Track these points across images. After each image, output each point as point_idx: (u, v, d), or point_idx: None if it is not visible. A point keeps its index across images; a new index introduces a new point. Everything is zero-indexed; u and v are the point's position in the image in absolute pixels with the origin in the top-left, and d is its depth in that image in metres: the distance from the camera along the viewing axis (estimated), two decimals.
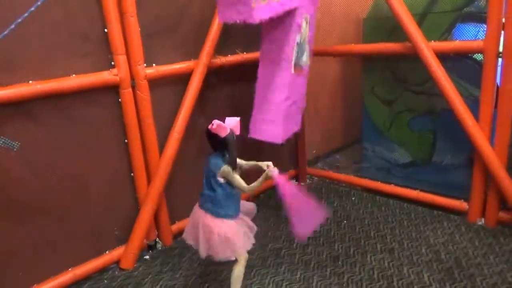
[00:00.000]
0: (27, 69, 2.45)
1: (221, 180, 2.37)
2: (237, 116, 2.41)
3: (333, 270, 2.87)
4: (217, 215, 2.38)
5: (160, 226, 3.26)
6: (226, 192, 2.38)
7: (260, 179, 2.32)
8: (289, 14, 2.83)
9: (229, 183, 2.36)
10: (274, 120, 3.05)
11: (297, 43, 2.99)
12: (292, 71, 3.02)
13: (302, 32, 3.00)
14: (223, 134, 2.30)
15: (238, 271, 2.43)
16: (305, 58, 3.20)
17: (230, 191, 2.40)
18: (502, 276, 2.68)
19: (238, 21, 2.51)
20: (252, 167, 2.50)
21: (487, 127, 3.09)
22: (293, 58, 3.00)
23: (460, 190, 3.47)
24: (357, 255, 3.03)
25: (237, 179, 2.34)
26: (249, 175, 2.49)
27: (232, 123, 2.36)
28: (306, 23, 3.02)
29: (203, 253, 2.41)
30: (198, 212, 2.46)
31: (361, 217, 3.60)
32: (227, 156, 2.35)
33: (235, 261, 2.42)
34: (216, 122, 2.31)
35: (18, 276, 2.60)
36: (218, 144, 2.36)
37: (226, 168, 2.32)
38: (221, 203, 2.38)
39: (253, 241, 2.50)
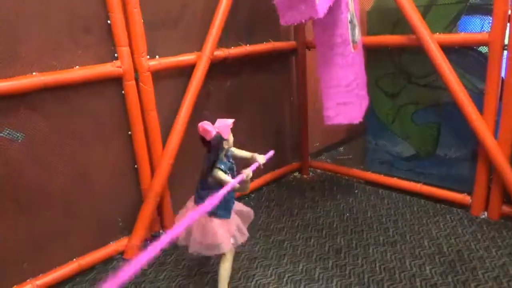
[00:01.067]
0: (30, 61, 2.45)
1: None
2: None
3: (336, 262, 2.88)
4: (210, 214, 2.32)
5: (163, 217, 3.28)
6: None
7: (236, 179, 2.29)
8: None
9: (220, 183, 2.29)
10: (349, 102, 3.18)
11: (349, 22, 3.03)
12: (352, 50, 3.08)
13: (350, 9, 3.02)
14: (207, 137, 2.28)
15: (225, 268, 2.44)
16: (357, 32, 3.24)
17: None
18: (504, 269, 2.68)
19: (303, 21, 2.66)
20: (247, 158, 2.50)
21: (491, 120, 3.07)
22: (350, 38, 3.04)
23: (463, 184, 3.47)
24: (359, 248, 3.04)
25: (223, 179, 2.29)
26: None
27: (221, 126, 2.31)
28: None
29: (192, 249, 2.38)
30: (192, 210, 2.39)
31: (364, 210, 3.61)
32: (210, 159, 2.31)
33: (223, 256, 2.42)
34: (202, 125, 2.29)
35: (22, 267, 2.63)
36: (205, 144, 2.33)
37: (216, 171, 2.30)
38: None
39: (246, 235, 2.49)
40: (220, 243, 2.34)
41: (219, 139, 2.28)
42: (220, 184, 2.29)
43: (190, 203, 2.52)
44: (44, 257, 2.71)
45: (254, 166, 2.42)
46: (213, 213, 2.32)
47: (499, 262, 2.76)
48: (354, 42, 3.15)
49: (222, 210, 2.36)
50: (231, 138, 2.39)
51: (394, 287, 2.59)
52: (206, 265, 2.92)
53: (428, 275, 2.69)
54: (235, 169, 2.46)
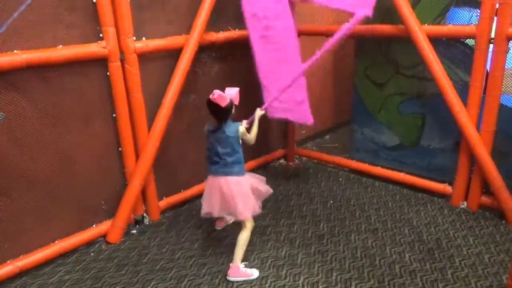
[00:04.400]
0: (12, 38, 2.38)
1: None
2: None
3: (318, 248, 2.93)
4: (243, 172, 2.61)
5: (147, 201, 3.27)
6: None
7: (255, 123, 2.78)
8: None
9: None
10: (303, 100, 3.33)
11: None
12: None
13: None
14: (223, 104, 2.46)
15: (244, 237, 2.62)
16: None
17: None
18: (480, 257, 2.76)
19: None
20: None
21: (474, 112, 3.12)
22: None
23: (445, 174, 3.54)
24: (341, 234, 3.09)
25: (249, 134, 2.70)
26: None
27: (231, 93, 2.54)
28: None
29: (224, 215, 2.67)
30: (218, 180, 2.58)
31: (347, 198, 3.66)
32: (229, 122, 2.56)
33: (240, 228, 2.64)
34: (217, 92, 2.46)
35: (3, 247, 2.60)
36: (219, 113, 2.52)
37: (242, 128, 2.60)
38: (242, 160, 2.62)
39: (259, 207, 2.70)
40: (240, 211, 2.56)
41: (231, 105, 2.53)
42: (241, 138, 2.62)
43: (212, 178, 2.64)
44: (25, 238, 2.68)
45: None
46: (244, 171, 2.61)
47: (476, 250, 2.84)
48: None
49: (236, 167, 2.58)
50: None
51: (374, 273, 2.65)
52: (207, 240, 3.00)
53: (407, 262, 2.75)
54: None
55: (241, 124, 2.64)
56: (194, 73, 3.33)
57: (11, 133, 2.49)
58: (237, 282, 2.60)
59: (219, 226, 3.20)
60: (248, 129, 2.77)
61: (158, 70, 3.12)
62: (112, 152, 3.03)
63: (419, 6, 3.36)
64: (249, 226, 2.64)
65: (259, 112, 2.91)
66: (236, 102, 2.57)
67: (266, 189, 2.79)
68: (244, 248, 2.64)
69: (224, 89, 2.58)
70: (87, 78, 2.77)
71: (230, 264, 2.64)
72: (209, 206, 2.63)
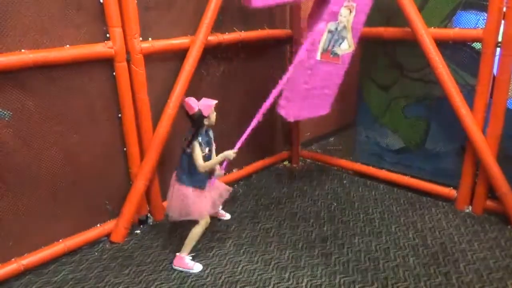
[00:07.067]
0: (19, 37, 2.39)
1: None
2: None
3: (321, 251, 2.92)
4: (188, 183, 2.66)
5: (151, 201, 3.28)
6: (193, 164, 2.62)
7: (217, 158, 2.67)
8: (326, 1, 2.92)
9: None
10: (292, 99, 3.25)
11: (330, 31, 3.07)
12: (318, 57, 3.13)
13: (340, 19, 3.08)
14: (190, 111, 2.57)
15: (196, 232, 2.73)
16: (345, 46, 3.28)
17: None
18: (485, 263, 2.75)
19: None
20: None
21: (480, 116, 3.11)
22: (321, 45, 3.09)
23: (450, 178, 3.52)
24: (345, 237, 3.08)
25: (196, 154, 2.58)
26: None
27: (203, 104, 2.58)
28: (350, 12, 3.10)
29: (174, 216, 2.71)
30: (173, 182, 2.75)
31: (351, 201, 3.65)
32: (191, 132, 2.60)
33: (197, 222, 2.72)
34: (187, 100, 2.57)
35: (8, 245, 2.61)
36: (189, 118, 2.62)
37: (197, 144, 2.58)
38: (191, 173, 2.64)
39: (219, 207, 2.91)
40: (194, 211, 2.67)
41: (200, 115, 2.56)
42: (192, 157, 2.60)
43: (173, 179, 2.77)
44: (30, 237, 2.70)
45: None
46: (192, 183, 2.66)
47: (481, 255, 2.82)
48: (332, 52, 3.22)
49: (197, 182, 2.68)
50: (212, 117, 2.65)
51: (378, 277, 2.64)
52: (211, 242, 3.05)
53: (411, 266, 2.74)
54: (212, 142, 2.75)
55: (197, 140, 2.58)
56: (199, 74, 3.34)
57: (18, 131, 2.51)
58: (238, 282, 2.60)
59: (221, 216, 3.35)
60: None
61: (164, 70, 3.12)
62: (117, 152, 3.04)
63: (426, 9, 3.35)
64: (202, 222, 2.72)
65: (231, 154, 2.68)
66: (205, 113, 2.57)
67: (224, 188, 2.88)
68: (194, 242, 2.75)
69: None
70: (93, 78, 2.78)
71: (177, 254, 2.76)
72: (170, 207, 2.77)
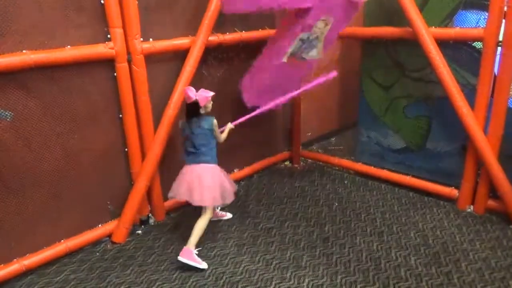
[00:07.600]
0: (20, 38, 2.40)
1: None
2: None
3: (323, 251, 2.92)
4: (215, 161, 2.84)
5: (153, 201, 3.28)
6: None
7: (225, 132, 2.97)
8: (303, 12, 2.94)
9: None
10: (251, 87, 3.35)
11: (302, 39, 3.11)
12: (284, 59, 3.19)
13: (314, 30, 3.11)
14: (187, 100, 2.75)
15: (202, 224, 2.79)
16: (313, 53, 3.34)
17: None
18: (486, 262, 2.74)
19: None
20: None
21: (482, 116, 3.10)
22: (289, 51, 3.14)
23: (451, 177, 3.51)
24: (346, 237, 3.08)
25: (217, 128, 2.86)
26: None
27: (200, 95, 2.73)
28: (326, 25, 3.14)
29: (197, 201, 2.76)
30: (192, 167, 2.81)
31: (353, 201, 3.64)
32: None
33: (205, 210, 2.82)
34: (186, 90, 2.75)
35: (10, 245, 2.62)
36: (186, 106, 2.79)
37: (215, 121, 2.81)
38: (215, 152, 2.85)
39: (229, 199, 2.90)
40: (203, 198, 2.75)
41: (196, 104, 2.73)
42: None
43: (188, 166, 2.85)
44: (32, 237, 2.70)
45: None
46: (204, 160, 2.79)
47: (482, 255, 2.82)
48: (298, 56, 3.27)
49: (209, 156, 2.81)
50: (209, 106, 2.82)
51: (379, 276, 2.63)
52: (212, 242, 2.99)
53: (413, 265, 2.73)
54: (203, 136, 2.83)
55: (214, 118, 2.82)
56: (200, 74, 3.34)
57: (19, 132, 2.51)
58: (239, 282, 2.60)
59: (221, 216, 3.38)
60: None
61: (165, 71, 3.13)
62: (118, 153, 3.05)
63: (426, 9, 3.35)
64: (208, 214, 2.81)
65: (230, 126, 3.05)
66: (201, 104, 2.72)
67: (232, 187, 2.93)
68: (200, 234, 2.79)
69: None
70: (94, 78, 2.78)
71: (184, 247, 2.75)
72: (175, 190, 2.85)
